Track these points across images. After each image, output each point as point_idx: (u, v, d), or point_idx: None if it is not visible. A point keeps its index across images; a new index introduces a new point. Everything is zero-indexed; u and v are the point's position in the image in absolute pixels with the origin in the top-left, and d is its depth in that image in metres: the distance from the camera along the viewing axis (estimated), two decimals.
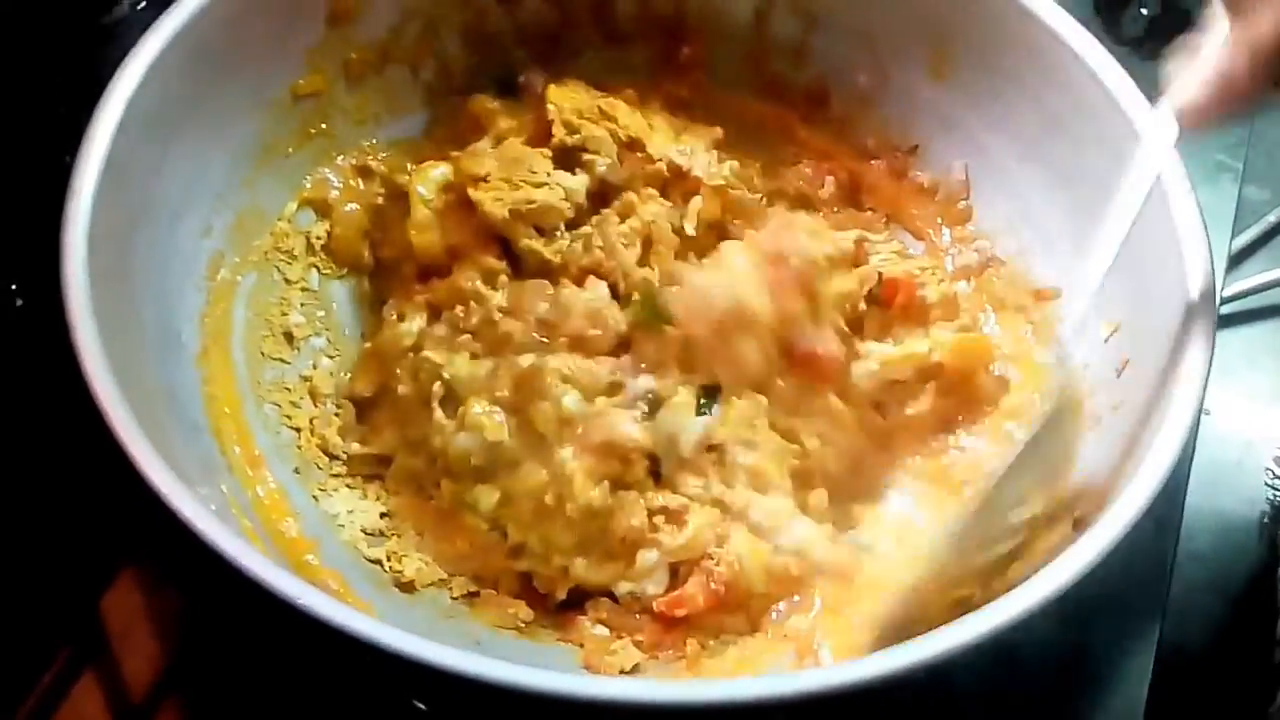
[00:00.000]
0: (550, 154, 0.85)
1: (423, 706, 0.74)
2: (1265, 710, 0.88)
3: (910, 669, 0.60)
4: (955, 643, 0.60)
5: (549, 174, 0.84)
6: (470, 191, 0.83)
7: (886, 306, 0.84)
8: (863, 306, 0.83)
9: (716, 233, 0.86)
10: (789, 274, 0.79)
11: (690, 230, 0.84)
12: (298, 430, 0.81)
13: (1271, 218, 1.06)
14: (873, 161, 0.93)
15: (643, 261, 0.82)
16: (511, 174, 0.83)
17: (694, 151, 0.87)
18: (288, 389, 0.82)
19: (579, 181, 0.84)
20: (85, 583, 0.79)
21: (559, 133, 0.84)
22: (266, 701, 0.75)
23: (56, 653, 0.77)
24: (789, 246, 0.79)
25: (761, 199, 0.89)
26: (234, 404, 0.78)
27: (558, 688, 0.58)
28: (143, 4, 0.94)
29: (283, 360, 0.83)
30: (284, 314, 0.84)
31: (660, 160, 0.85)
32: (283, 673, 0.75)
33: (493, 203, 0.82)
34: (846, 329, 0.82)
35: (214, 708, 0.77)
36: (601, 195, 0.85)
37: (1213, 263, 0.72)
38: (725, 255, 0.80)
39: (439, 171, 0.85)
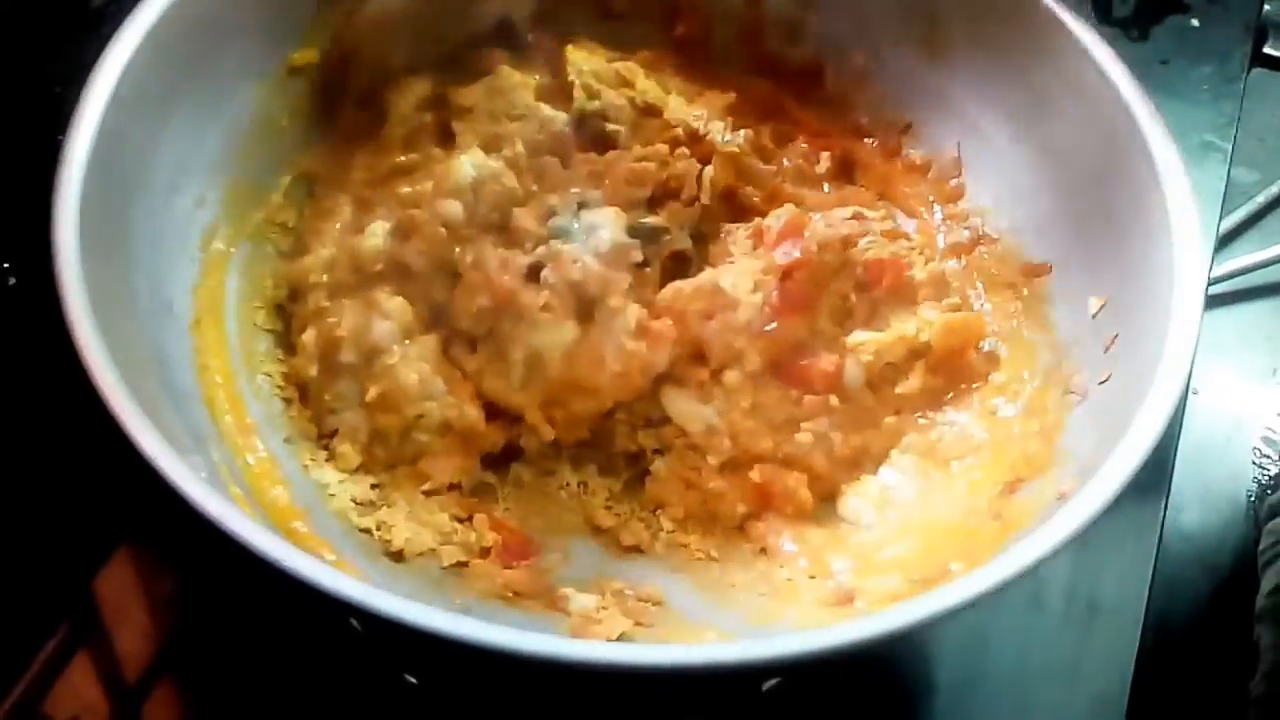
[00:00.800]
0: (534, 84, 0.86)
1: (413, 680, 0.75)
2: (1247, 685, 0.89)
3: (886, 635, 0.60)
4: (934, 609, 0.60)
5: (528, 105, 0.85)
6: (453, 123, 0.84)
7: (874, 289, 0.84)
8: (852, 298, 0.84)
9: (729, 201, 0.87)
10: (796, 288, 0.81)
11: (705, 199, 0.85)
12: (288, 401, 0.81)
13: (1260, 199, 1.07)
14: (865, 139, 0.93)
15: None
16: (494, 105, 0.84)
17: (708, 118, 0.87)
18: (279, 359, 0.82)
19: (559, 117, 0.85)
20: (80, 562, 0.80)
21: (579, 98, 0.86)
22: (260, 680, 0.76)
23: (51, 632, 0.77)
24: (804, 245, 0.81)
25: (775, 171, 0.90)
26: (226, 374, 0.78)
27: (547, 650, 0.58)
28: None
29: (275, 331, 0.83)
30: (277, 285, 0.84)
31: (677, 125, 0.86)
32: (276, 652, 0.75)
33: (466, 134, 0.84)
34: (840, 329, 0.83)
35: (208, 686, 0.78)
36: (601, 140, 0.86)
37: (1203, 240, 0.72)
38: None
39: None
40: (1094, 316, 0.78)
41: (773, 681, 0.73)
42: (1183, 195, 0.74)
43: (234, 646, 0.77)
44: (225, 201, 0.82)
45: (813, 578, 0.76)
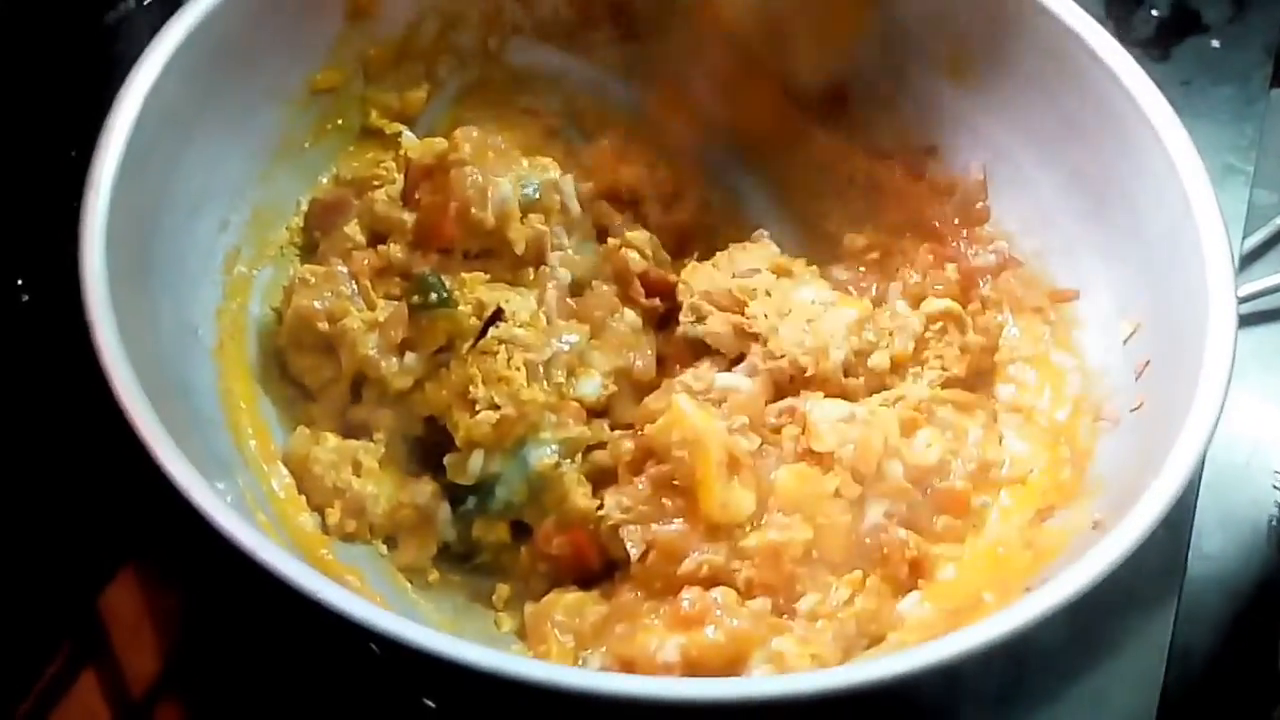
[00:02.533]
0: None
1: (432, 704, 0.74)
2: (1270, 713, 0.89)
3: (921, 672, 0.60)
4: (974, 644, 0.60)
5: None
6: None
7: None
8: None
9: None
10: None
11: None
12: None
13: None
14: (889, 162, 0.93)
15: None
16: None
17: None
18: None
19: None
20: (86, 579, 0.79)
21: (685, 320, 0.84)
22: (266, 699, 0.75)
23: (57, 648, 0.77)
24: None
25: None
26: (249, 398, 0.78)
27: (572, 683, 0.58)
28: (148, 0, 0.94)
29: None
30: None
31: (782, 357, 0.81)
32: (283, 670, 0.75)
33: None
34: None
35: (214, 705, 0.77)
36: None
37: (1234, 264, 0.72)
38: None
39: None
40: (1125, 342, 0.78)
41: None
42: (1212, 216, 0.73)
43: (239, 664, 0.76)
44: (248, 224, 0.82)
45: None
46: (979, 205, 0.89)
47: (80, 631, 0.78)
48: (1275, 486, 0.98)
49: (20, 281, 0.87)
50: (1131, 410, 0.74)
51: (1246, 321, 1.03)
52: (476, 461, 0.77)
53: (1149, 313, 0.77)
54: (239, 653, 0.76)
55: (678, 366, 0.84)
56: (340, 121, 0.88)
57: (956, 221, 0.90)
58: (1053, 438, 0.80)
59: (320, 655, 0.71)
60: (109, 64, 0.75)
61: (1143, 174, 0.77)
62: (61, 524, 0.79)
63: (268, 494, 0.74)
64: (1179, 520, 0.84)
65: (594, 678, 0.60)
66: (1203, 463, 0.86)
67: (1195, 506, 0.87)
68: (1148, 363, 0.75)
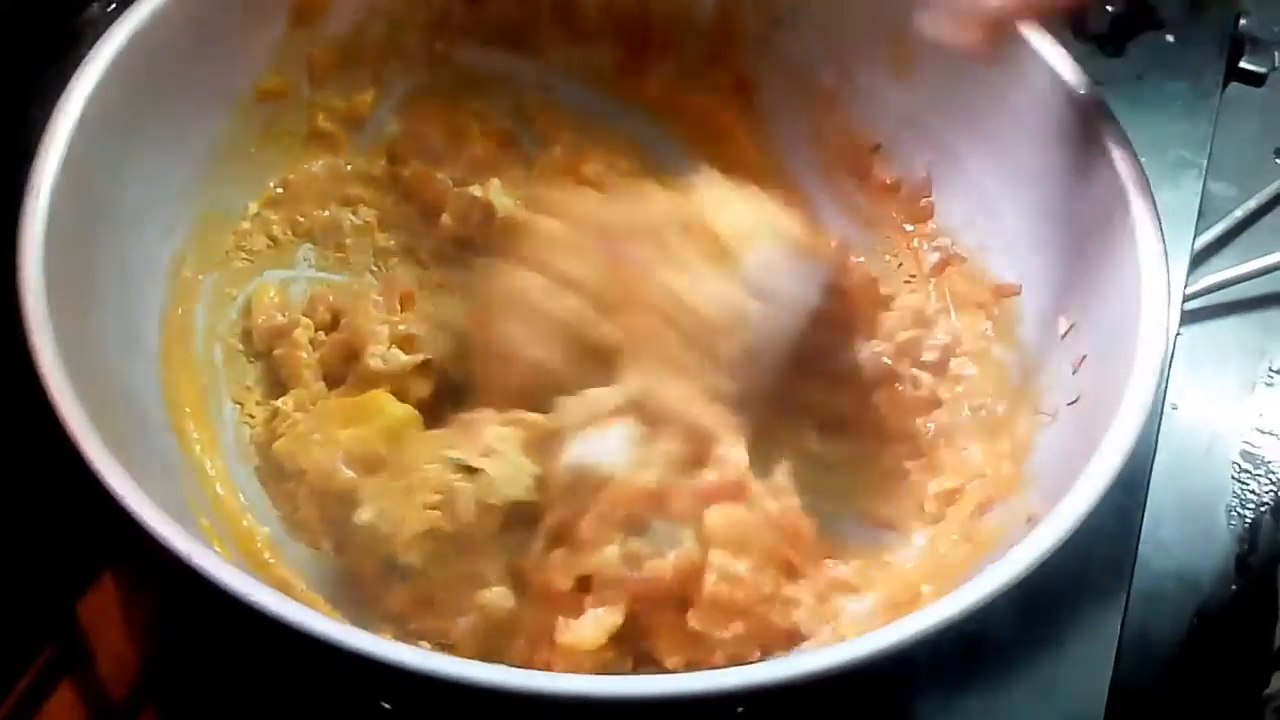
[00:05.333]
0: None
1: (388, 706, 0.74)
2: (1254, 695, 0.89)
3: (856, 662, 0.59)
4: (906, 634, 0.60)
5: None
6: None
7: None
8: None
9: None
10: None
11: None
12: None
13: (1237, 213, 1.07)
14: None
15: None
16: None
17: None
18: (248, 388, 0.83)
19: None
20: (63, 587, 0.79)
21: None
22: (245, 706, 0.75)
23: (34, 658, 0.77)
24: None
25: None
26: (195, 404, 0.77)
27: (522, 684, 0.57)
28: (113, 5, 0.94)
29: (244, 358, 0.83)
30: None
31: None
32: (260, 677, 0.75)
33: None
34: None
35: (193, 712, 0.78)
36: None
37: (1168, 259, 0.72)
38: None
39: None
40: (1063, 337, 0.78)
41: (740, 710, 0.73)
42: (1148, 216, 0.73)
43: (219, 672, 0.76)
44: (193, 229, 0.82)
45: None
46: (923, 202, 0.90)
47: (59, 638, 0.78)
48: (1234, 477, 0.99)
49: None
50: (1069, 404, 0.75)
51: (1205, 314, 1.04)
52: None
53: (1085, 309, 0.77)
54: (217, 660, 0.76)
55: None
56: (286, 126, 0.87)
57: (898, 218, 0.91)
58: (992, 431, 0.80)
59: (294, 663, 0.71)
60: (75, 68, 0.74)
61: (1082, 172, 0.78)
62: (38, 532, 0.79)
63: (211, 499, 0.74)
64: (1129, 510, 0.85)
65: (544, 679, 0.59)
66: (1149, 453, 0.87)
67: (1146, 496, 0.87)
68: (1084, 357, 0.75)
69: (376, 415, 0.78)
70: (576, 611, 0.72)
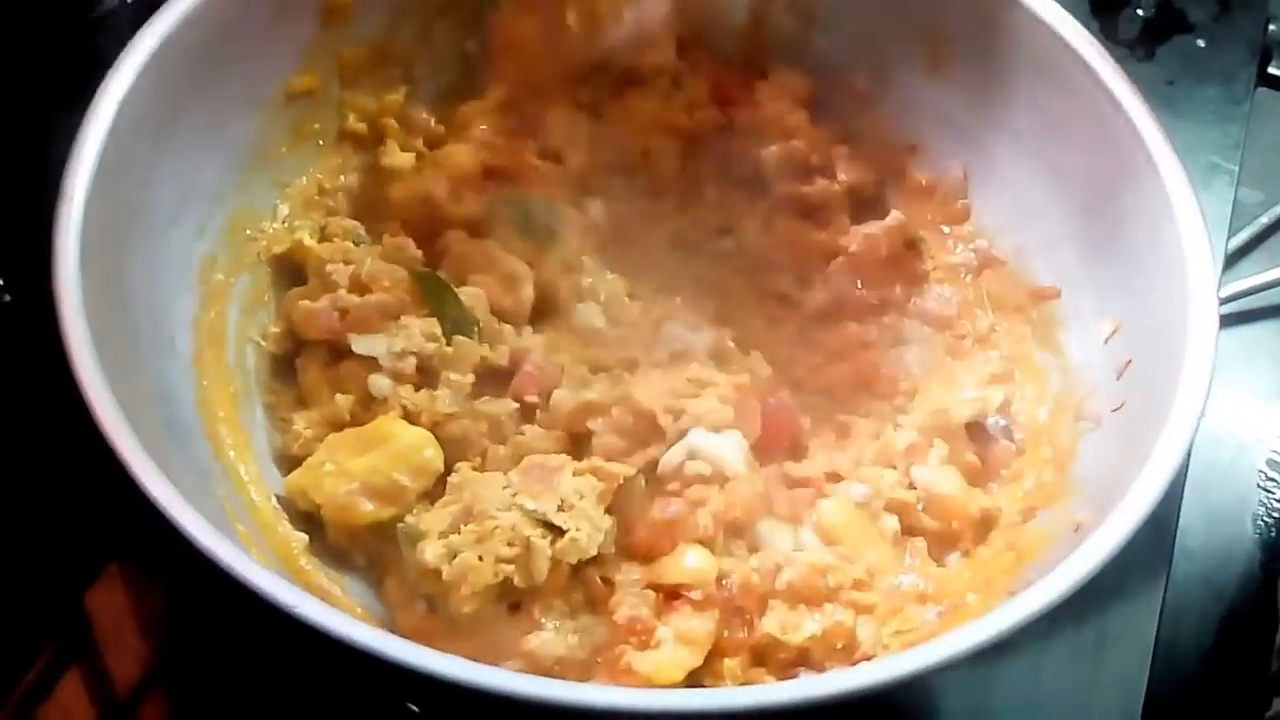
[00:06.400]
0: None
1: (415, 709, 0.74)
2: (1262, 714, 0.88)
3: (904, 677, 0.59)
4: (957, 650, 0.59)
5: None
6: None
7: None
8: None
9: None
10: None
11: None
12: None
13: (1265, 219, 1.06)
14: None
15: None
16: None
17: None
18: (282, 391, 0.81)
19: None
20: (71, 579, 0.79)
21: None
22: (251, 698, 0.75)
23: (41, 649, 0.77)
24: None
25: None
26: (229, 407, 0.77)
27: (556, 695, 0.57)
28: None
29: (277, 361, 0.82)
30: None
31: None
32: (268, 670, 0.74)
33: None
34: None
35: (199, 704, 0.77)
36: None
37: (1215, 264, 0.72)
38: None
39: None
40: (1106, 341, 0.78)
41: None
42: (1193, 217, 0.73)
43: (225, 664, 0.76)
44: (225, 231, 0.81)
45: None
46: (960, 203, 0.89)
47: (65, 631, 0.77)
48: (1260, 485, 0.98)
49: (2, 282, 0.86)
50: (1113, 410, 0.74)
51: (1231, 320, 1.03)
52: None
53: (1130, 312, 0.77)
54: (224, 652, 0.76)
55: None
56: (317, 126, 0.86)
57: (936, 219, 0.90)
58: (1035, 438, 0.79)
59: (305, 656, 0.70)
60: (93, 60, 0.74)
61: (1123, 174, 0.77)
62: (46, 524, 0.79)
63: (247, 505, 0.73)
64: (1164, 518, 0.85)
65: (577, 690, 0.59)
66: (1187, 463, 0.86)
67: (1180, 504, 0.87)
68: (1129, 362, 0.75)
69: (388, 440, 0.76)
70: (646, 641, 0.72)
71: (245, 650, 0.75)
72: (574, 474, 0.74)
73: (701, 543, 0.74)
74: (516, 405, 0.79)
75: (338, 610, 0.59)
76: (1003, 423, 0.82)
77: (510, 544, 0.71)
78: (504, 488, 0.74)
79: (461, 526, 0.72)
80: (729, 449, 0.77)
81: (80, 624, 0.78)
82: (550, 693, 0.57)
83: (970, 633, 0.60)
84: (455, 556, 0.71)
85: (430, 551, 0.71)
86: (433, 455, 0.76)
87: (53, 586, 0.78)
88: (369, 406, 0.78)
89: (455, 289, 0.81)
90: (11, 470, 0.80)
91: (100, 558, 0.79)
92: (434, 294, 0.81)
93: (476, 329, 0.80)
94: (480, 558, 0.70)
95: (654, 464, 0.77)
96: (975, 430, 0.81)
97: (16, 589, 0.78)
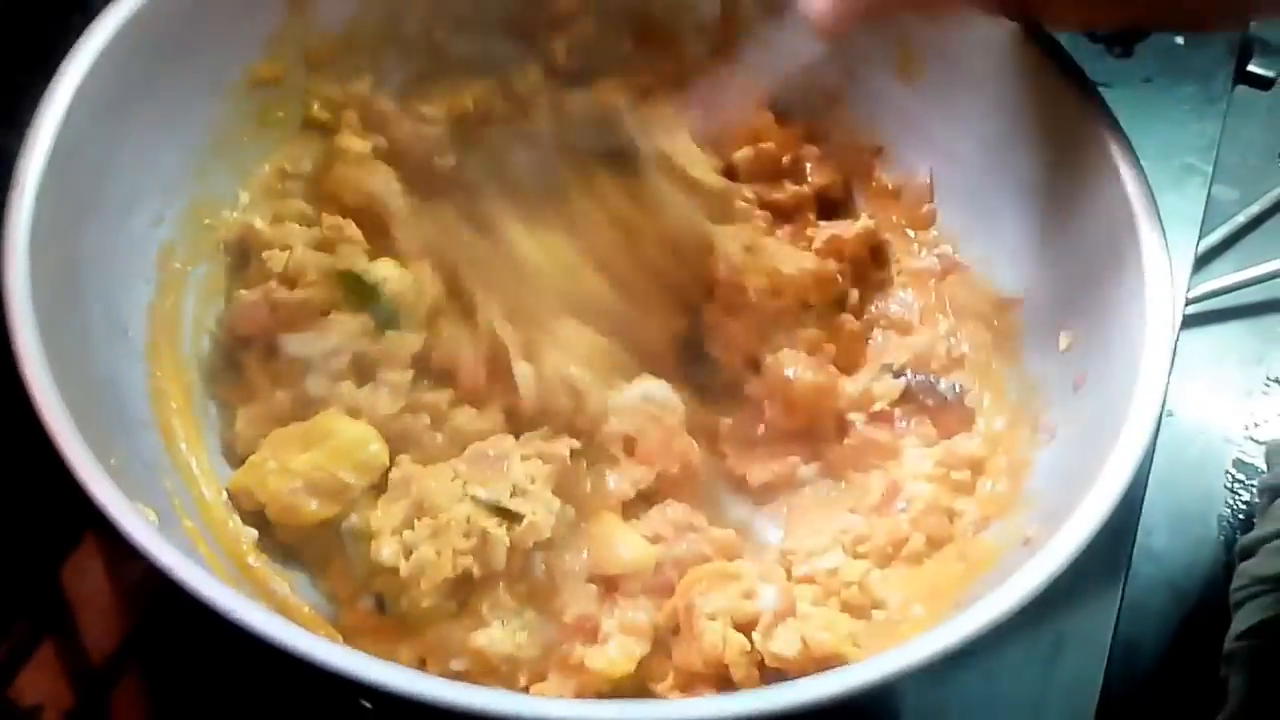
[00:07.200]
0: None
1: (369, 706, 0.74)
2: (1213, 714, 0.89)
3: (853, 691, 0.59)
4: (905, 664, 0.59)
5: None
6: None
7: None
8: None
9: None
10: None
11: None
12: None
13: (1240, 218, 1.06)
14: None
15: None
16: None
17: None
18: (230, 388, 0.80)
19: None
20: (45, 550, 0.78)
21: None
22: (228, 671, 0.74)
23: (15, 621, 0.76)
24: None
25: None
26: (182, 400, 0.76)
27: (502, 708, 0.56)
28: None
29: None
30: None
31: None
32: (244, 640, 0.74)
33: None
34: None
35: (176, 675, 0.77)
36: None
37: (1174, 282, 0.71)
38: None
39: None
40: (1064, 353, 0.77)
41: None
42: (1153, 237, 0.72)
43: (202, 635, 0.75)
44: (184, 219, 0.80)
45: None
46: (925, 208, 0.89)
47: (40, 603, 0.77)
48: (1226, 486, 0.98)
49: None
50: (1068, 424, 0.74)
51: (1202, 320, 1.03)
52: None
53: (1087, 325, 0.76)
54: (201, 623, 0.75)
55: None
56: (281, 114, 0.85)
57: (901, 223, 0.90)
58: (991, 447, 0.79)
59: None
60: (69, 39, 0.72)
61: (1085, 183, 0.76)
62: (20, 495, 0.78)
63: (197, 499, 0.72)
64: (1122, 522, 0.84)
65: (522, 702, 0.58)
66: (1145, 465, 0.86)
67: (1141, 507, 0.86)
68: (1085, 376, 0.74)
69: (330, 437, 0.75)
70: (594, 636, 0.72)
71: (222, 620, 0.74)
72: (521, 459, 0.74)
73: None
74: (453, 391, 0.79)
75: (278, 614, 0.59)
76: (957, 386, 0.83)
77: (467, 535, 0.71)
78: (453, 479, 0.74)
79: (415, 522, 0.72)
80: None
81: (56, 595, 0.77)
82: (499, 705, 0.56)
83: (922, 644, 0.60)
84: (411, 554, 0.71)
85: (387, 550, 0.71)
86: (377, 450, 0.75)
87: (28, 557, 0.78)
88: (309, 404, 0.77)
89: (377, 283, 0.80)
90: None
91: (76, 528, 0.79)
92: (355, 292, 0.80)
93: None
94: (438, 553, 0.70)
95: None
96: (925, 392, 0.83)
97: None
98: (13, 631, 0.76)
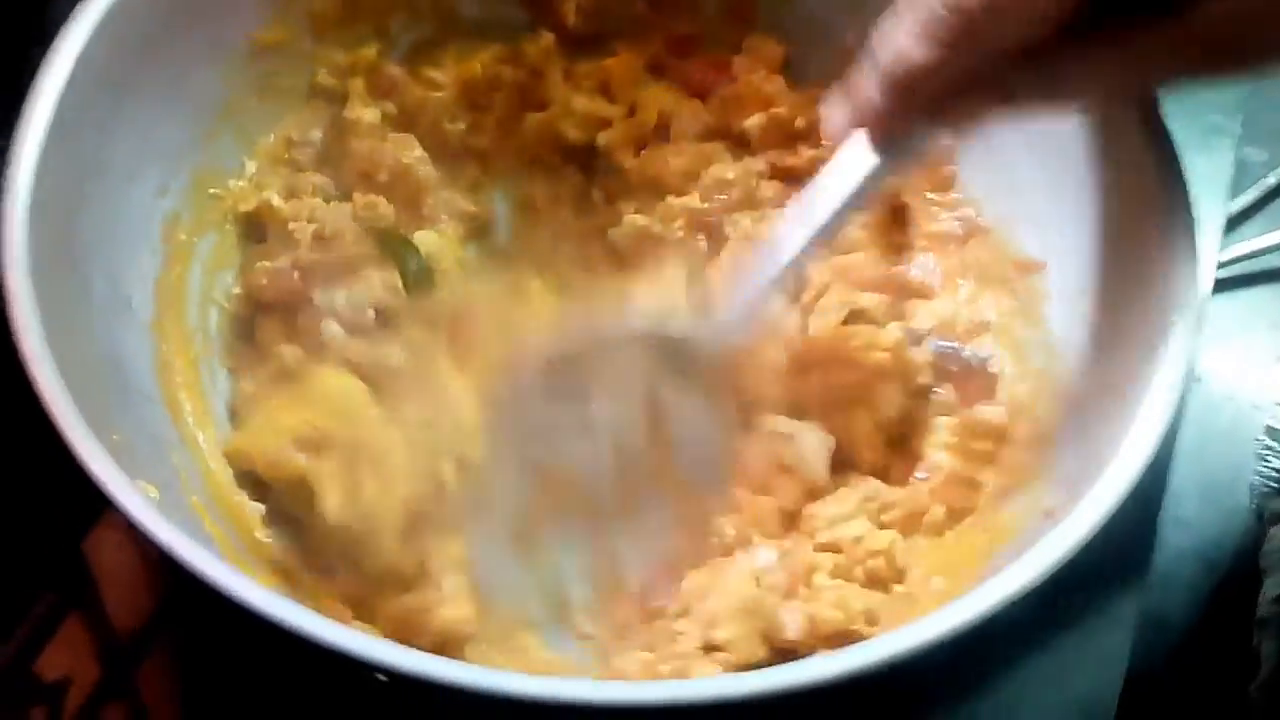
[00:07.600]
0: None
1: (384, 678, 0.73)
2: (1245, 687, 0.87)
3: (876, 665, 0.58)
4: (926, 637, 0.59)
5: None
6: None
7: None
8: None
9: None
10: None
11: None
12: None
13: (1271, 180, 1.04)
14: None
15: None
16: None
17: None
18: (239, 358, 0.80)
19: None
20: (70, 523, 0.78)
21: None
22: (255, 646, 0.73)
23: (41, 594, 0.76)
24: None
25: None
26: (189, 372, 0.76)
27: (519, 689, 0.56)
28: None
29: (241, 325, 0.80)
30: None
31: None
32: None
33: None
34: None
35: (202, 649, 0.76)
36: None
37: (1197, 241, 0.69)
38: None
39: None
40: (1087, 318, 0.76)
41: None
42: (1181, 197, 0.70)
43: (227, 608, 0.75)
44: (189, 189, 0.79)
45: None
46: (946, 170, 0.86)
47: (65, 576, 0.77)
48: (1257, 454, 0.97)
49: None
50: (1092, 392, 0.72)
51: (1232, 285, 1.01)
52: None
53: (1112, 290, 0.74)
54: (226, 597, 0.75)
55: None
56: (287, 82, 0.85)
57: (921, 185, 0.87)
58: (1013, 415, 0.78)
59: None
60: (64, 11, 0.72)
61: (1110, 145, 0.74)
62: (44, 467, 0.76)
63: (204, 474, 0.72)
64: (1150, 491, 0.83)
65: (546, 684, 0.57)
66: (1173, 432, 0.85)
67: (1168, 476, 0.85)
68: (1109, 342, 0.73)
69: (317, 390, 0.75)
70: None
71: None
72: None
73: None
74: None
75: (278, 591, 0.59)
76: (980, 352, 0.81)
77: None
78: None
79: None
80: None
81: (81, 568, 0.77)
82: (520, 689, 0.56)
83: (944, 618, 0.59)
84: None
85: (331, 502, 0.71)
86: (363, 402, 0.75)
87: (53, 530, 0.78)
88: (318, 359, 0.77)
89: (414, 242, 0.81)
90: (7, 413, 0.79)
91: (100, 500, 0.78)
92: (394, 252, 0.80)
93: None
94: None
95: None
96: (948, 358, 0.81)
97: (16, 532, 0.77)
98: (38, 605, 0.76)
